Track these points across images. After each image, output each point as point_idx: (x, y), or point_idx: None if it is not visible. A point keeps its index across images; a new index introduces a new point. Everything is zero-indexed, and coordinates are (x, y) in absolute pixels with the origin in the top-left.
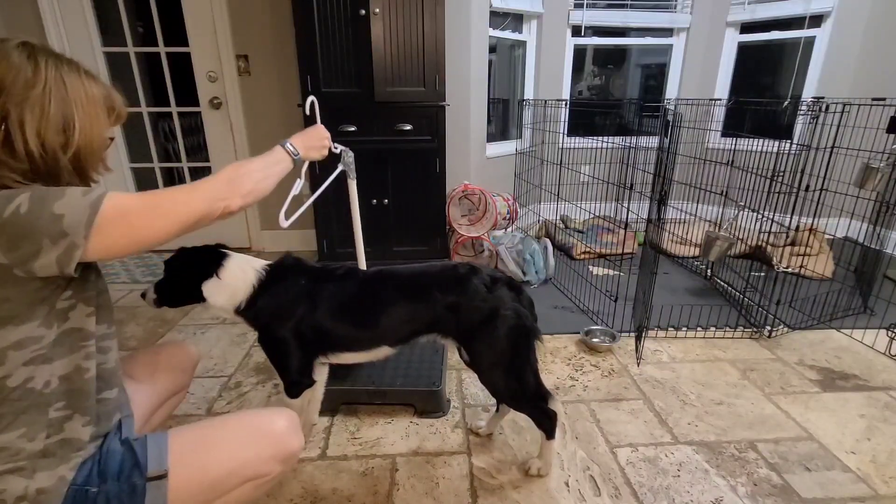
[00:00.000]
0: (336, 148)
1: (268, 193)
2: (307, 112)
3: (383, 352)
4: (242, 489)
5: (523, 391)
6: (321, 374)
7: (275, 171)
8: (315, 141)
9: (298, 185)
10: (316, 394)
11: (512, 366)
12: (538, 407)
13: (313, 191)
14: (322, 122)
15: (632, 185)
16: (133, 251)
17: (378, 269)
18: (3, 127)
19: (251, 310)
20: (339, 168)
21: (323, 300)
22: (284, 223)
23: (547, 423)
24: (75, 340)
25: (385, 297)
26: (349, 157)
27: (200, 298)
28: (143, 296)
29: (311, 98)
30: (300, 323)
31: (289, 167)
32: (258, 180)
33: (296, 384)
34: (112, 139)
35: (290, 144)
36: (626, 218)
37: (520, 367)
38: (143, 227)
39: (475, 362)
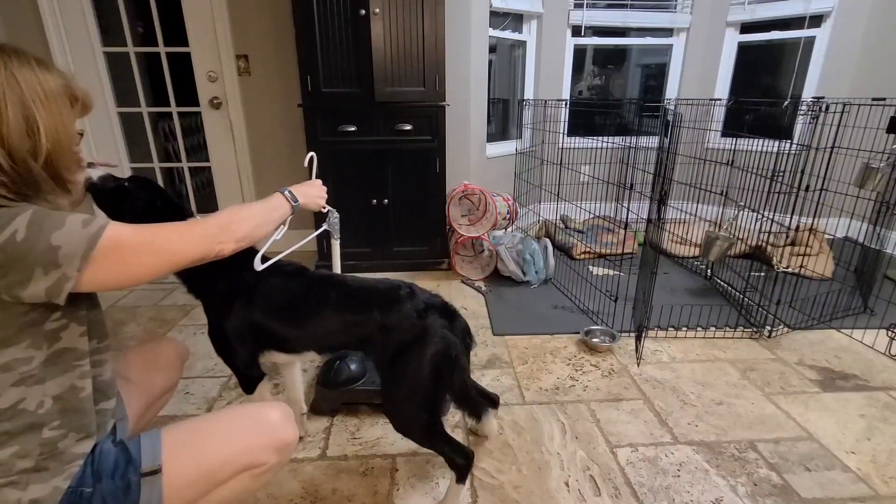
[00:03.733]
0: (324, 208)
1: (263, 238)
2: (305, 165)
3: (311, 356)
4: (240, 479)
5: (432, 424)
6: (290, 371)
7: (273, 218)
8: (314, 191)
9: (281, 231)
10: (294, 392)
11: (426, 398)
12: (451, 443)
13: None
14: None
15: (632, 185)
16: (123, 286)
17: (328, 274)
18: None
19: (191, 284)
20: (324, 227)
21: (264, 295)
22: (259, 267)
23: (461, 461)
24: (68, 360)
25: (325, 303)
26: (335, 217)
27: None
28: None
29: (310, 154)
30: (237, 315)
31: (287, 214)
32: (255, 226)
33: (243, 378)
34: (81, 133)
35: (290, 192)
36: (626, 218)
37: (434, 400)
38: (135, 265)
39: (385, 388)
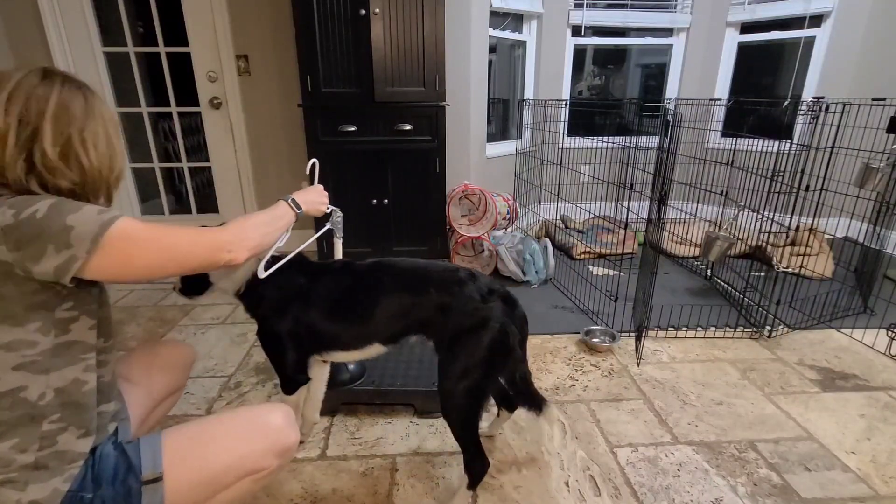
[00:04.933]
0: (328, 208)
1: (272, 245)
2: (307, 172)
3: (375, 349)
4: (240, 484)
5: (476, 413)
6: (321, 372)
7: (279, 226)
8: (316, 198)
9: (284, 238)
10: (317, 393)
11: (477, 384)
12: (478, 445)
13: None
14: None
15: (632, 185)
16: (126, 279)
17: (376, 261)
18: (66, 145)
19: (249, 296)
20: (327, 226)
21: (318, 298)
22: (262, 274)
23: (478, 467)
24: (76, 353)
25: (380, 288)
26: (338, 216)
27: (207, 280)
28: (175, 288)
29: (312, 161)
30: (294, 319)
31: (292, 221)
32: (264, 234)
33: (291, 380)
34: None
35: (293, 199)
36: (626, 218)
37: (484, 387)
38: (139, 258)
39: (444, 368)
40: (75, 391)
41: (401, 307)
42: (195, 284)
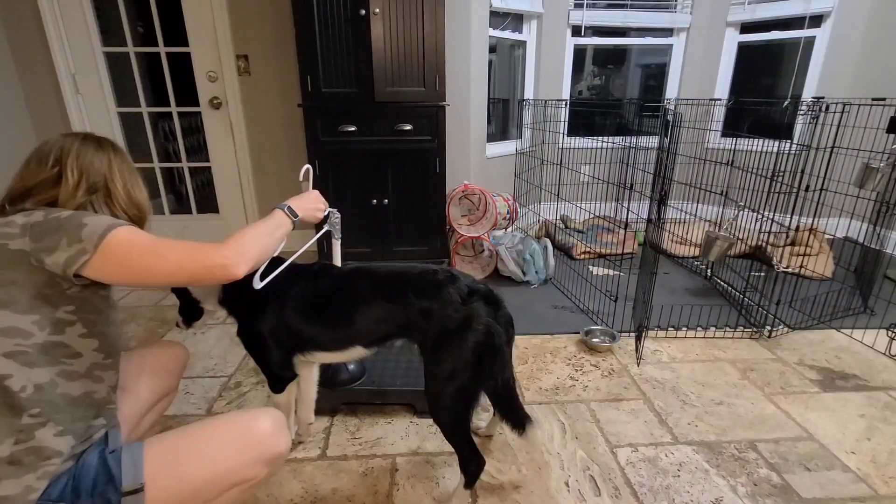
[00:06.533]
0: (325, 212)
1: (270, 256)
2: (301, 179)
3: (357, 352)
4: (228, 494)
5: (465, 415)
6: (310, 372)
7: (278, 236)
8: (311, 204)
9: (280, 247)
10: (308, 393)
11: (465, 386)
12: (471, 445)
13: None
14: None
15: (632, 185)
16: (123, 282)
17: (355, 267)
18: (125, 189)
19: (228, 302)
20: (325, 228)
21: (295, 300)
22: (258, 285)
23: (474, 466)
24: (59, 355)
25: (359, 296)
26: (336, 217)
27: (196, 302)
28: (178, 324)
29: (306, 166)
30: (272, 319)
31: (290, 230)
32: (263, 246)
33: (277, 378)
34: None
35: (289, 208)
36: (626, 218)
37: (472, 389)
38: (134, 260)
39: (429, 371)
40: (51, 391)
41: (379, 312)
42: (191, 312)
